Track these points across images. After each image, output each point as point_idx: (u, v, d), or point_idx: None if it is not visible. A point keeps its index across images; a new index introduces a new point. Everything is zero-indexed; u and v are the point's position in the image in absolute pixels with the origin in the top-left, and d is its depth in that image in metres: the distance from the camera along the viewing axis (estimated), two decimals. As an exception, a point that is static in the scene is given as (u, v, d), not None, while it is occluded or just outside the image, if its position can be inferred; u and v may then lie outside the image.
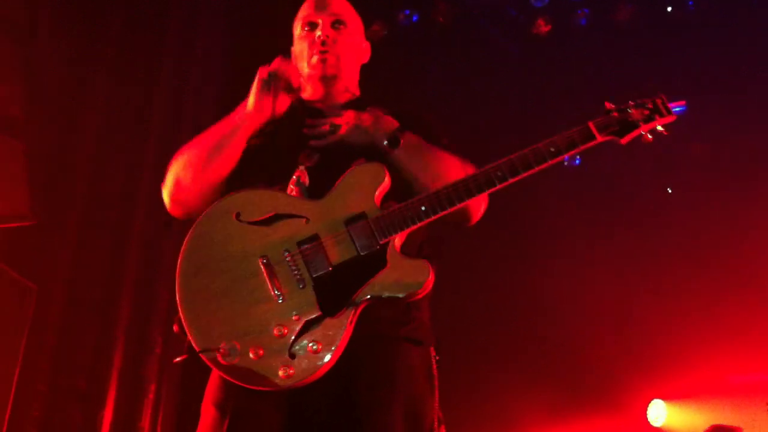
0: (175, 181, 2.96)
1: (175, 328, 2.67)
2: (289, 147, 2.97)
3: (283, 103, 2.99)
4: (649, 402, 6.91)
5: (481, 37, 7.54)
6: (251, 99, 2.95)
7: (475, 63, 7.49)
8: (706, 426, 5.89)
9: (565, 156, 2.75)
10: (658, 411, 6.86)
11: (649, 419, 6.87)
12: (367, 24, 7.11)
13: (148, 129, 6.66)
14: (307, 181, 2.84)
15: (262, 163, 2.96)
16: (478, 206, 2.93)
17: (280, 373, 2.53)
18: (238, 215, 2.71)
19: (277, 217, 2.70)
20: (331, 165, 2.83)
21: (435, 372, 2.83)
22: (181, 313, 2.64)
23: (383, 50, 7.33)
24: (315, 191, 2.80)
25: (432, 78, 7.48)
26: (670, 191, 7.28)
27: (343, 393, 2.63)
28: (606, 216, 7.18)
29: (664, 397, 6.88)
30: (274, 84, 2.93)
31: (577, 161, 7.47)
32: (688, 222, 6.98)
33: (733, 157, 6.89)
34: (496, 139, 6.66)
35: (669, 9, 7.11)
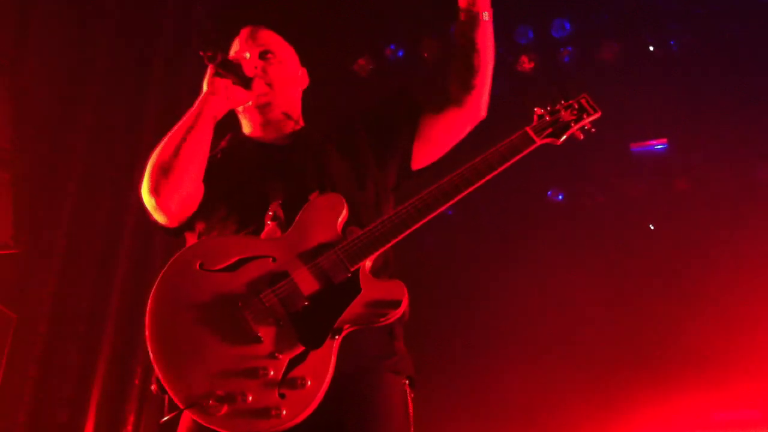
0: (150, 183, 2.91)
1: (153, 388, 2.60)
2: (253, 185, 2.98)
3: (236, 93, 3.04)
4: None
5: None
6: (204, 85, 3.03)
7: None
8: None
9: (511, 162, 2.89)
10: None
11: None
12: (354, 58, 7.23)
13: (135, 161, 6.64)
14: (282, 215, 2.83)
15: (230, 206, 2.96)
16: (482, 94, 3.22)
17: (272, 414, 2.48)
18: (201, 265, 2.68)
19: (241, 261, 2.68)
20: (301, 198, 2.85)
21: (410, 410, 2.82)
22: (158, 371, 2.57)
23: (369, 85, 7.45)
24: (291, 224, 2.79)
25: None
26: (652, 228, 7.32)
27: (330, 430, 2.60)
28: (585, 257, 7.17)
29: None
30: (224, 68, 2.99)
31: (560, 197, 7.51)
32: (671, 258, 7.00)
33: (714, 193, 6.96)
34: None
35: (651, 48, 7.20)
